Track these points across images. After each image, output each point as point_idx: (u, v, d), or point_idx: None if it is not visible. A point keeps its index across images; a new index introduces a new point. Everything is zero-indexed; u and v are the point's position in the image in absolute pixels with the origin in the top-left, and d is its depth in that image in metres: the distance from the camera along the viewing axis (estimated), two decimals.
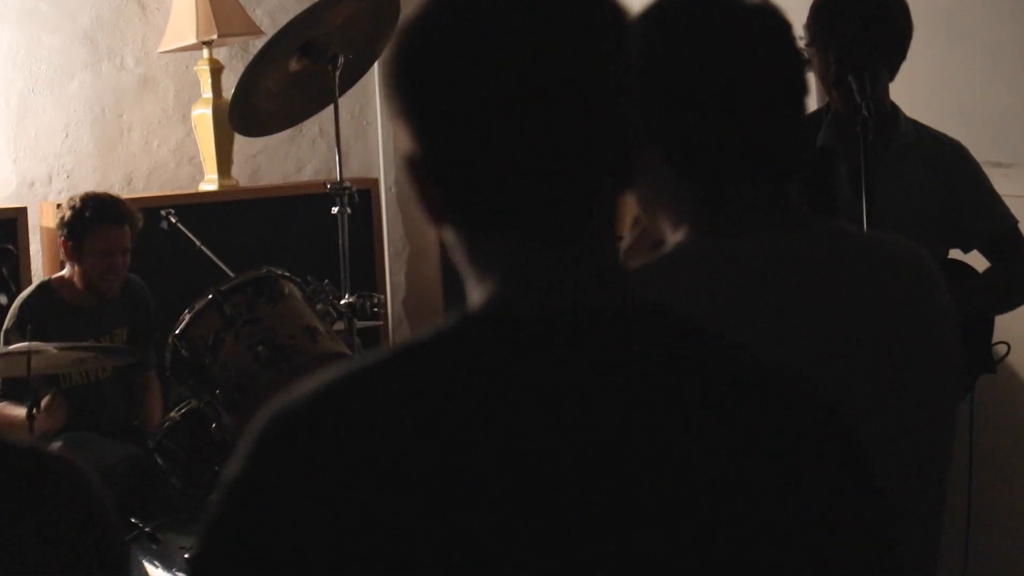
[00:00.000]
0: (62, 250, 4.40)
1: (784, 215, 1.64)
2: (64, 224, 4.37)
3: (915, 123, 3.30)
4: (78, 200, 4.40)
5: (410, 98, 1.17)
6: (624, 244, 1.85)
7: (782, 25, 1.63)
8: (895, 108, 3.29)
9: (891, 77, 3.24)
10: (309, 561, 1.06)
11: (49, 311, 4.32)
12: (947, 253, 3.31)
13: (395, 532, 1.05)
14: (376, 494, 1.06)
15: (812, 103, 4.07)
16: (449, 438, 1.07)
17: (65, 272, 4.43)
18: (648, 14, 1.58)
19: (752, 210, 1.61)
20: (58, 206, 4.54)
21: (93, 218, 4.33)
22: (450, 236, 1.20)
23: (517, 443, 1.08)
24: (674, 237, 1.64)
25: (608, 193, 1.20)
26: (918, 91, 3.58)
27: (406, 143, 1.17)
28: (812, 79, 4.07)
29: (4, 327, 4.30)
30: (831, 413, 1.22)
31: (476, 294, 1.17)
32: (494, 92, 1.13)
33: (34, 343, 3.84)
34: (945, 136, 3.30)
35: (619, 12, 1.18)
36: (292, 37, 4.06)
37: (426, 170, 1.16)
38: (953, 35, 3.18)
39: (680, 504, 1.10)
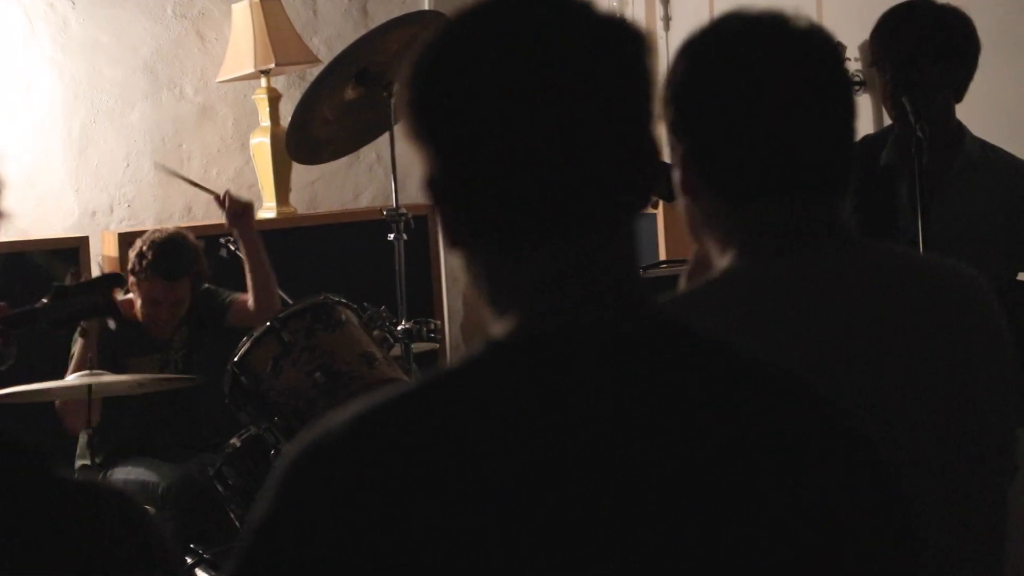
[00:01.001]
0: (130, 278, 4.40)
1: (831, 235, 1.60)
2: (131, 262, 4.38)
3: (983, 143, 3.20)
4: (146, 244, 4.37)
5: (429, 121, 1.15)
6: (684, 270, 1.83)
7: (830, 47, 1.62)
8: (961, 128, 3.20)
9: (957, 96, 3.15)
10: None
11: (116, 330, 4.33)
12: (1016, 275, 3.21)
13: (430, 565, 1.03)
14: (409, 527, 1.04)
15: (869, 124, 4.00)
16: (482, 466, 1.06)
17: (131, 295, 4.42)
18: (695, 38, 1.58)
19: (797, 231, 1.59)
20: (129, 241, 4.51)
21: (148, 267, 4.33)
22: (467, 261, 1.18)
23: (549, 468, 1.07)
24: (721, 261, 1.62)
25: (627, 214, 1.18)
26: (973, 106, 3.49)
27: (425, 166, 1.16)
28: (869, 99, 4.01)
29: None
30: (863, 441, 1.19)
31: (500, 319, 1.16)
32: (512, 115, 1.11)
33: (95, 371, 3.82)
34: (1014, 157, 3.20)
35: (640, 37, 1.17)
36: (348, 65, 4.04)
37: (445, 193, 1.15)
38: (1008, 49, 3.09)
39: (704, 525, 1.09)
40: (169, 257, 4.38)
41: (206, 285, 4.55)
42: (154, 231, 4.49)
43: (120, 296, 4.40)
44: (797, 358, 1.44)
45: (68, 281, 3.39)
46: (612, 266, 1.16)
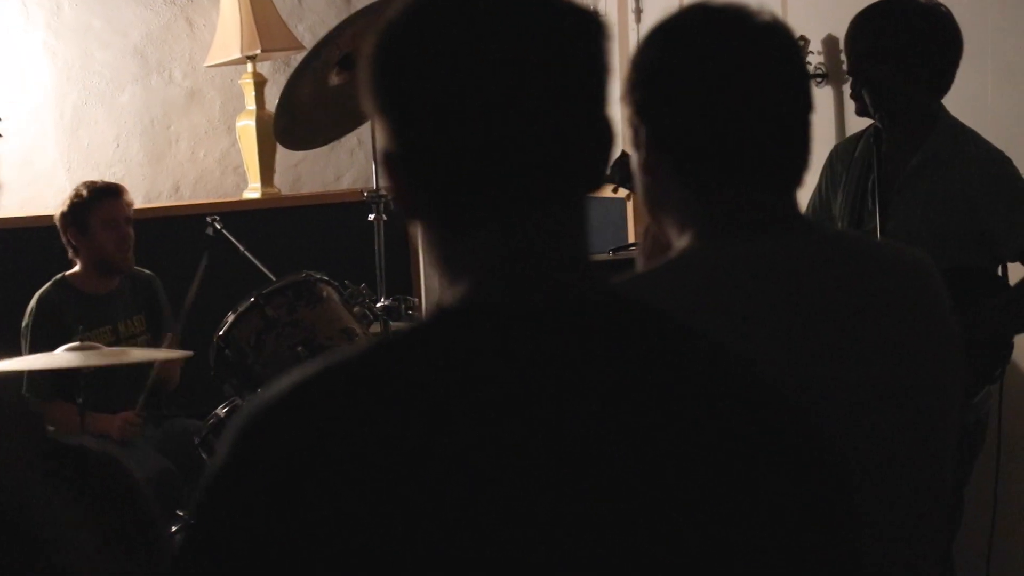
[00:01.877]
0: (70, 242, 4.40)
1: (787, 221, 1.61)
2: (66, 215, 4.38)
3: (960, 135, 3.17)
4: (72, 191, 4.44)
5: (389, 95, 1.14)
6: (637, 251, 1.83)
7: (789, 41, 1.61)
8: (934, 121, 3.19)
9: (936, 90, 3.15)
10: (285, 551, 1.03)
11: (66, 302, 4.34)
12: (982, 263, 3.18)
13: (364, 521, 1.02)
14: (347, 484, 1.03)
15: (831, 116, 4.05)
16: (421, 428, 1.05)
17: (77, 267, 4.43)
18: (660, 27, 1.58)
19: (754, 217, 1.59)
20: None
21: (92, 197, 4.37)
22: (424, 233, 1.18)
23: (485, 432, 1.06)
24: (680, 242, 1.62)
25: (580, 194, 1.18)
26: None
27: (383, 139, 1.15)
28: (831, 91, 4.06)
29: (24, 323, 4.32)
30: (803, 419, 1.18)
31: (451, 289, 1.15)
32: (470, 92, 1.10)
33: (86, 342, 3.84)
34: (990, 150, 3.17)
35: (595, 22, 1.16)
36: (331, 50, 4.04)
37: (402, 167, 1.14)
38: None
39: (641, 499, 1.07)
40: (100, 184, 4.47)
41: (152, 275, 4.60)
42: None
43: (70, 271, 4.43)
44: (751, 336, 1.45)
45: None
46: (561, 243, 1.15)
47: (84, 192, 4.39)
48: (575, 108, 1.14)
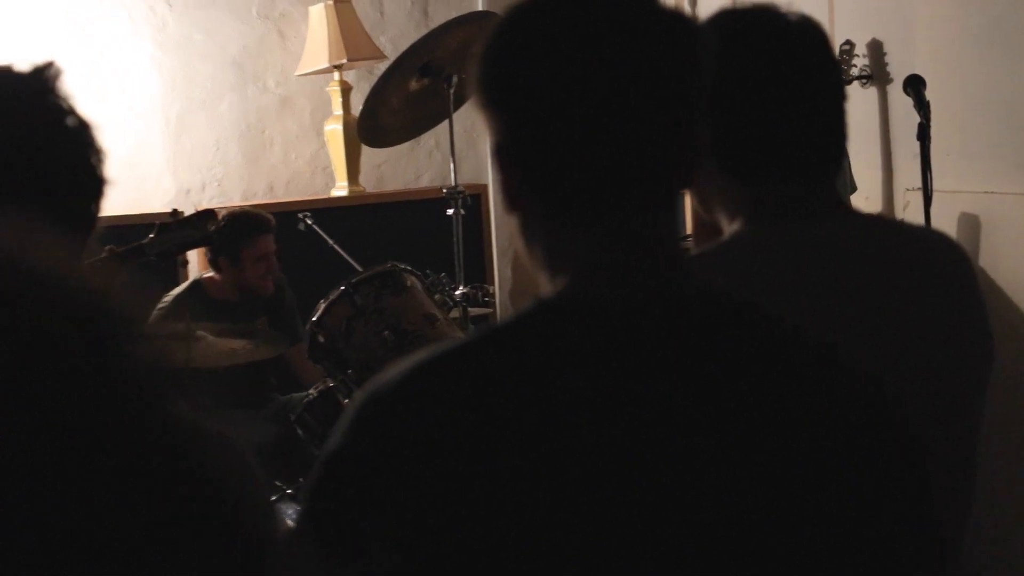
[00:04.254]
0: (215, 262, 4.37)
1: (827, 206, 1.59)
2: (218, 243, 4.35)
3: None
4: (224, 220, 4.32)
5: (499, 93, 1.13)
6: (693, 241, 1.83)
7: (821, 38, 1.58)
8: None
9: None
10: (397, 527, 1.03)
11: (197, 306, 4.34)
12: None
13: (472, 500, 1.02)
14: (456, 465, 1.03)
15: (875, 115, 3.99)
16: (524, 413, 1.04)
17: (215, 275, 4.43)
18: (699, 29, 1.56)
19: (797, 205, 1.57)
20: None
21: (246, 233, 4.32)
22: (524, 224, 1.16)
23: (585, 417, 1.04)
24: (730, 228, 1.61)
25: (673, 191, 1.16)
26: (973, 103, 3.47)
27: (493, 134, 1.14)
28: (875, 92, 4.00)
29: (154, 317, 4.34)
30: (879, 390, 1.16)
31: (552, 280, 1.13)
32: (577, 91, 1.09)
33: (195, 326, 3.86)
34: None
35: (692, 29, 1.15)
36: (412, 60, 4.05)
37: (512, 161, 1.13)
38: (1008, 47, 3.07)
39: (734, 476, 1.05)
40: (254, 217, 4.39)
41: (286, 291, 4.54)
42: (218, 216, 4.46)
43: (208, 275, 4.44)
44: (797, 311, 1.44)
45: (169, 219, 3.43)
46: (659, 238, 1.13)
47: (238, 227, 4.31)
48: (673, 109, 1.12)
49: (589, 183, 1.10)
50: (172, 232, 3.02)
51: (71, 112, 1.28)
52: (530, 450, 1.02)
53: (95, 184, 1.30)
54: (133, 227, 5.01)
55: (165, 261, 3.62)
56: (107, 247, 2.50)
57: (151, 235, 3.28)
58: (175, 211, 3.59)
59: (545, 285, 1.14)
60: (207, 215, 3.49)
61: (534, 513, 1.01)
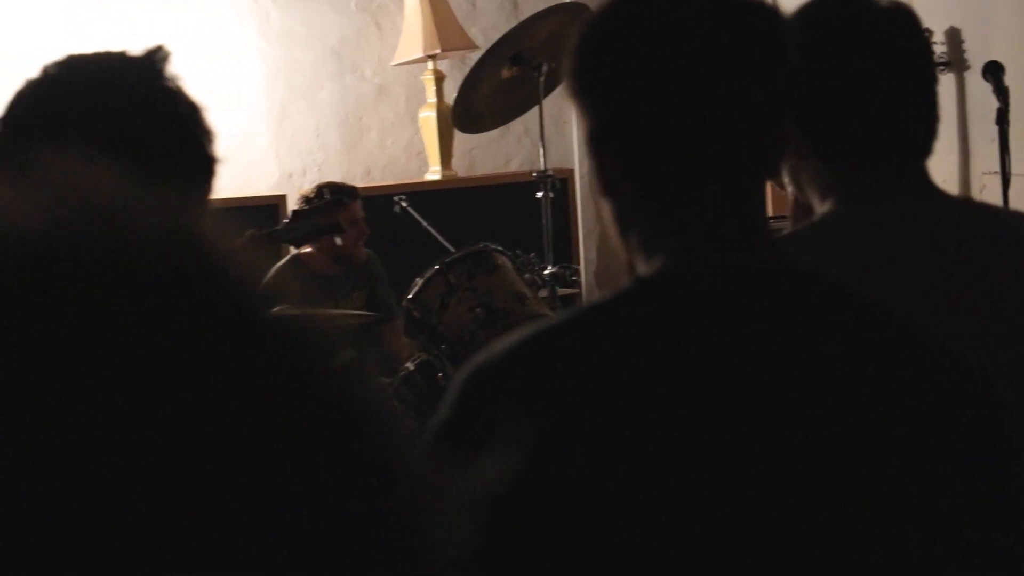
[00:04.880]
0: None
1: (919, 188, 1.58)
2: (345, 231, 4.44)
3: None
4: (314, 191, 4.45)
5: (591, 82, 1.14)
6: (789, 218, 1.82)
7: (913, 22, 1.57)
8: None
9: None
10: (506, 494, 1.03)
11: (295, 280, 4.43)
12: None
13: (579, 469, 1.02)
14: (558, 436, 1.03)
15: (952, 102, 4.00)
16: (627, 384, 1.04)
17: (311, 250, 4.52)
18: (793, 16, 1.54)
19: (887, 186, 1.56)
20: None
21: (337, 200, 4.44)
22: (618, 208, 1.16)
23: (686, 388, 1.05)
24: (821, 209, 1.61)
25: (763, 173, 1.17)
26: None
27: (586, 122, 1.14)
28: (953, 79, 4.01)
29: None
30: (972, 372, 1.15)
31: (648, 260, 1.13)
32: (665, 77, 1.10)
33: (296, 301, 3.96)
34: None
35: (775, 15, 1.16)
36: (503, 49, 4.12)
37: (604, 145, 1.13)
38: None
39: (826, 451, 1.04)
40: (342, 186, 4.51)
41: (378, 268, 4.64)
42: (302, 193, 4.52)
43: (305, 250, 4.54)
44: (888, 291, 1.44)
45: (300, 206, 3.53)
46: (751, 218, 1.14)
47: (327, 194, 4.41)
48: (761, 93, 1.12)
49: (682, 167, 1.11)
50: (305, 219, 3.12)
51: (181, 95, 1.29)
52: (633, 423, 1.03)
53: (207, 165, 1.32)
54: (239, 209, 5.17)
55: (297, 246, 3.73)
56: (248, 231, 2.58)
57: (285, 220, 3.39)
58: (304, 197, 3.65)
59: (641, 268, 1.14)
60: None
61: (632, 482, 1.01)
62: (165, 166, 1.23)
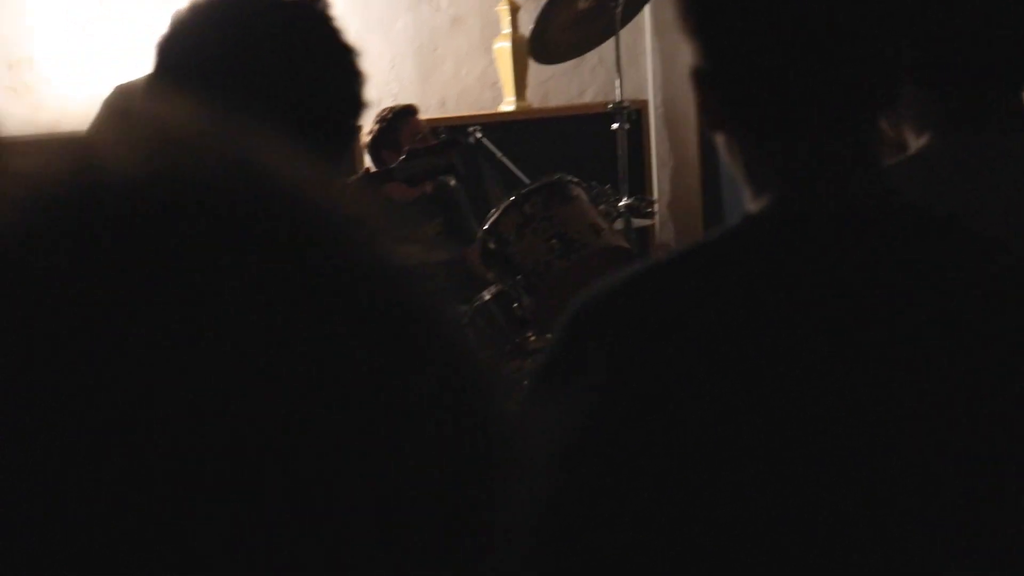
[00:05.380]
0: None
1: (1017, 118, 1.54)
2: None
3: None
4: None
5: (700, 16, 1.11)
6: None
7: None
8: None
9: None
10: (611, 435, 1.03)
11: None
12: None
13: (686, 409, 1.01)
14: (666, 374, 1.02)
15: None
16: (736, 322, 1.03)
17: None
18: None
19: (992, 116, 1.53)
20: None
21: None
22: (726, 143, 1.14)
23: (796, 324, 1.03)
24: (917, 142, 1.57)
25: (875, 107, 1.13)
26: None
27: (694, 58, 1.12)
28: None
29: None
30: None
31: (754, 198, 1.12)
32: (774, 15, 1.07)
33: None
34: None
35: None
36: None
37: (711, 81, 1.11)
38: None
39: (941, 390, 1.03)
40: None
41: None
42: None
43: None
44: (996, 223, 1.40)
45: (417, 144, 3.52)
46: (861, 152, 1.11)
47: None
48: (872, 25, 1.09)
49: (790, 102, 1.09)
50: (420, 158, 3.08)
51: (341, 39, 1.34)
52: (743, 364, 1.02)
53: (359, 106, 1.36)
54: None
55: (412, 185, 3.72)
56: (363, 169, 2.57)
57: (401, 159, 3.36)
58: (421, 137, 3.62)
59: (748, 202, 1.13)
60: (453, 144, 3.56)
61: (743, 425, 1.00)
62: (327, 109, 1.27)
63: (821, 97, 1.09)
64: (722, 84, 1.11)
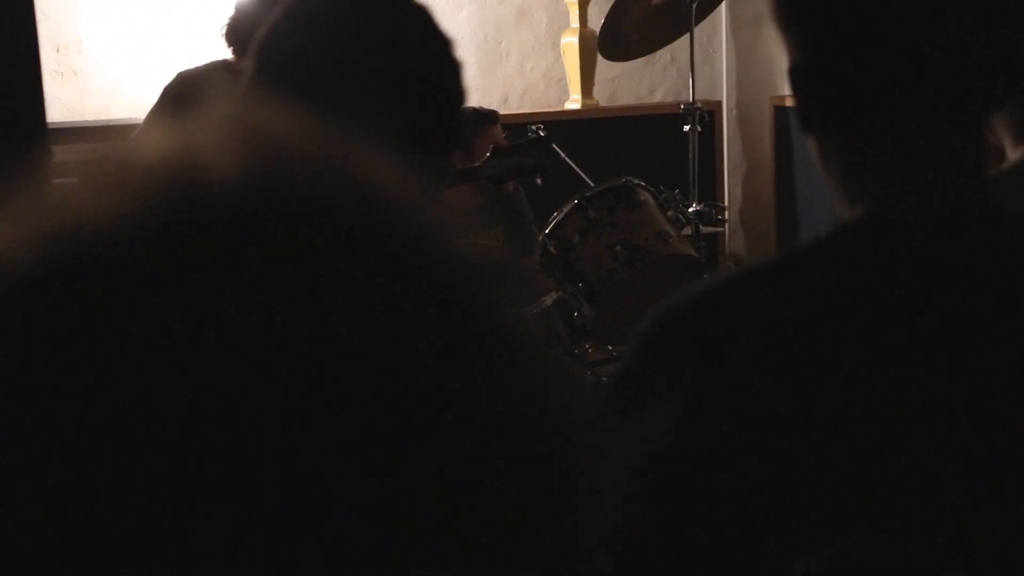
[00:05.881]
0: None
1: None
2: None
3: None
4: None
5: (799, 14, 1.10)
6: None
7: None
8: None
9: None
10: (690, 447, 1.02)
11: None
12: None
13: (771, 423, 0.99)
14: (757, 386, 1.00)
15: None
16: (827, 332, 1.01)
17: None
18: None
19: None
20: None
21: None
22: (820, 147, 1.12)
23: (890, 336, 1.01)
24: (1015, 153, 1.55)
25: (981, 113, 1.10)
26: None
27: (790, 54, 1.10)
28: None
29: None
30: None
31: (849, 206, 1.10)
32: (872, 15, 1.05)
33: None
34: None
35: None
36: None
37: (806, 82, 1.10)
38: None
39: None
40: (479, 110, 4.35)
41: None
42: None
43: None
44: None
45: (504, 143, 3.45)
46: (962, 160, 1.09)
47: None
48: (980, 24, 1.07)
49: (892, 103, 1.07)
50: (506, 157, 3.02)
51: (438, 30, 1.38)
52: (835, 373, 1.00)
53: (459, 98, 1.43)
54: None
55: (496, 185, 3.64)
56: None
57: (487, 156, 3.28)
58: (508, 135, 3.54)
59: (841, 210, 1.12)
60: (543, 142, 3.46)
61: (837, 435, 0.99)
62: (439, 101, 1.34)
63: (925, 99, 1.07)
64: (820, 82, 1.09)
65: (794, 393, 1.00)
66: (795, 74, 1.10)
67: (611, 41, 4.19)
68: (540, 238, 3.83)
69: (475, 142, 4.32)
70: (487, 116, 4.37)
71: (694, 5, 3.98)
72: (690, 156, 4.13)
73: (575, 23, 5.32)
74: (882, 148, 1.08)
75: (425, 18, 1.34)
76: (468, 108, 4.40)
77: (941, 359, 1.02)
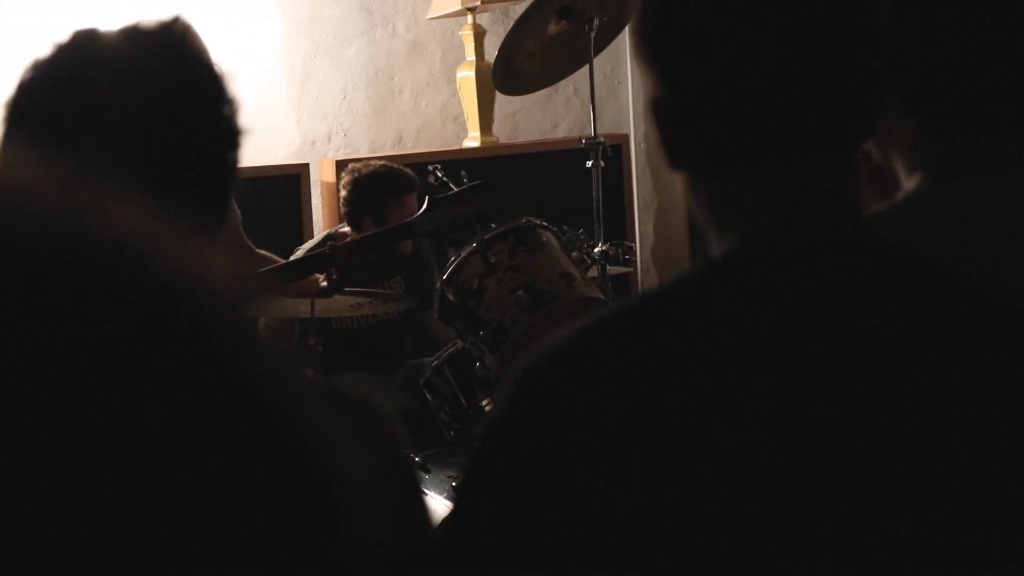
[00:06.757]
0: (357, 222, 4.27)
1: (1012, 164, 1.55)
2: (361, 202, 4.25)
3: None
4: (364, 173, 4.27)
5: (657, 49, 1.13)
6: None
7: None
8: None
9: None
10: (559, 490, 1.04)
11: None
12: None
13: (644, 470, 1.02)
14: (626, 433, 1.03)
15: None
16: (694, 375, 1.04)
17: (348, 229, 4.37)
18: None
19: (986, 159, 1.54)
20: (342, 172, 4.46)
21: (394, 191, 4.27)
22: (688, 182, 1.16)
23: (757, 374, 1.04)
24: (909, 183, 1.58)
25: (849, 140, 1.14)
26: None
27: (649, 86, 1.13)
28: None
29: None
30: None
31: (719, 239, 1.13)
32: (734, 46, 1.08)
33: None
34: None
35: None
36: (551, 2, 4.01)
37: (669, 117, 1.12)
38: None
39: (919, 436, 1.05)
40: (400, 175, 4.30)
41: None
42: (352, 170, 4.34)
43: (341, 228, 4.41)
44: (986, 270, 1.41)
45: (436, 192, 3.39)
46: (827, 191, 1.12)
47: (385, 183, 4.25)
48: (842, 54, 1.10)
49: (753, 137, 1.10)
50: (444, 208, 2.95)
51: (201, 64, 1.32)
52: (703, 410, 1.03)
53: (230, 135, 1.36)
54: (257, 181, 5.07)
55: (437, 241, 3.55)
56: (364, 223, 2.50)
57: (423, 209, 3.18)
58: (441, 182, 3.47)
59: (712, 244, 1.14)
60: (482, 187, 3.40)
61: (705, 474, 1.02)
62: (185, 142, 1.30)
63: (790, 131, 1.10)
64: (684, 117, 1.12)
65: (659, 435, 1.03)
66: (659, 109, 1.13)
67: (506, 74, 4.19)
68: (438, 285, 3.81)
69: (387, 211, 4.26)
70: (403, 184, 4.32)
71: (592, 34, 4.00)
72: (594, 193, 4.13)
73: (471, 56, 5.33)
74: (748, 182, 1.11)
75: (180, 49, 1.31)
76: (383, 169, 4.37)
77: (806, 391, 1.04)
